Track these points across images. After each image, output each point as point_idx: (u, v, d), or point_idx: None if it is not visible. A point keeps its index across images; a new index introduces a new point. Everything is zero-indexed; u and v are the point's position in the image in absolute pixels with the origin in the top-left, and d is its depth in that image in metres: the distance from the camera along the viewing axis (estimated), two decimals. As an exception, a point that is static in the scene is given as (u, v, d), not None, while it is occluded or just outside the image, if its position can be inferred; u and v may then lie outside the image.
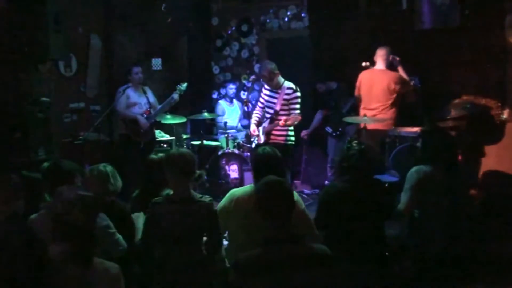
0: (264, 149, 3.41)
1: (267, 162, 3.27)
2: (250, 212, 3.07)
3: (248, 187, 3.36)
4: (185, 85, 6.08)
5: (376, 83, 5.72)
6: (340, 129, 6.24)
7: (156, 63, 7.45)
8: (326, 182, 6.32)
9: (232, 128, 7.03)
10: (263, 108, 5.56)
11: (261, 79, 5.54)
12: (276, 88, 5.40)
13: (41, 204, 3.07)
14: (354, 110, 6.07)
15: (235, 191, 3.35)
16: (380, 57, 5.76)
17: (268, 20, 7.97)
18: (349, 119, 5.70)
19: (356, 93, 5.95)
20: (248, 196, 3.23)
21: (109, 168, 3.47)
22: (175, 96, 6.05)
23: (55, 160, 3.59)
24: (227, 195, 3.36)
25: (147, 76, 6.81)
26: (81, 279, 2.16)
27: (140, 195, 3.75)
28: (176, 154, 3.06)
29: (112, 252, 3.01)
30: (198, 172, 3.10)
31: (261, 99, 5.62)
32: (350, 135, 6.17)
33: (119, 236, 3.13)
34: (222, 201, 3.35)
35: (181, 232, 2.91)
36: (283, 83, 5.38)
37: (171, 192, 3.06)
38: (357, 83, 5.90)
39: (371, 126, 5.57)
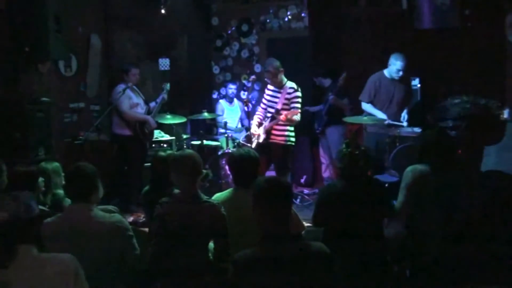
0: (239, 151, 3.44)
1: (243, 163, 3.29)
2: (234, 215, 3.09)
3: (228, 191, 3.38)
4: (168, 85, 6.30)
5: None
6: (319, 128, 6.32)
7: (164, 63, 7.46)
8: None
9: (231, 128, 7.03)
10: (265, 109, 5.58)
11: (266, 76, 5.55)
12: (279, 87, 5.44)
13: None
14: (334, 112, 6.14)
15: (218, 196, 3.35)
16: None
17: (268, 20, 7.98)
18: (349, 119, 5.72)
19: None
20: (230, 200, 3.25)
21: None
22: (165, 96, 6.22)
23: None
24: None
25: (148, 76, 6.82)
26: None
27: (150, 191, 3.88)
28: (184, 155, 3.09)
29: (127, 256, 2.90)
30: (204, 171, 3.13)
31: (263, 100, 5.64)
32: (332, 137, 6.22)
33: (135, 240, 3.02)
34: None
35: (188, 232, 2.91)
36: (285, 83, 5.43)
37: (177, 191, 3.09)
38: None
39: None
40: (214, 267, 3.01)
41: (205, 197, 3.04)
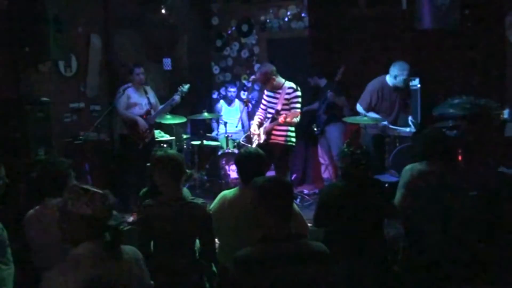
0: (247, 149, 3.45)
1: (250, 161, 3.29)
2: (241, 213, 3.09)
3: (236, 189, 3.37)
4: (187, 86, 6.05)
5: None
6: (319, 128, 6.31)
7: (167, 62, 7.46)
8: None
9: (230, 129, 7.04)
10: (265, 110, 5.58)
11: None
12: (275, 89, 5.41)
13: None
14: (333, 110, 6.12)
15: (226, 194, 3.35)
16: None
17: (268, 20, 7.98)
18: (349, 119, 5.72)
19: None
20: (238, 198, 3.24)
21: None
22: (176, 97, 6.03)
23: (48, 159, 3.54)
24: (218, 198, 3.37)
25: (148, 76, 6.82)
26: (116, 268, 2.16)
27: (148, 192, 3.78)
28: (164, 156, 3.05)
29: None
30: (188, 172, 3.10)
31: (263, 101, 5.63)
32: (332, 135, 6.22)
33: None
34: (213, 204, 3.35)
35: (174, 233, 2.90)
36: (283, 84, 5.39)
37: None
38: None
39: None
40: (200, 267, 3.00)
41: (189, 198, 3.03)
